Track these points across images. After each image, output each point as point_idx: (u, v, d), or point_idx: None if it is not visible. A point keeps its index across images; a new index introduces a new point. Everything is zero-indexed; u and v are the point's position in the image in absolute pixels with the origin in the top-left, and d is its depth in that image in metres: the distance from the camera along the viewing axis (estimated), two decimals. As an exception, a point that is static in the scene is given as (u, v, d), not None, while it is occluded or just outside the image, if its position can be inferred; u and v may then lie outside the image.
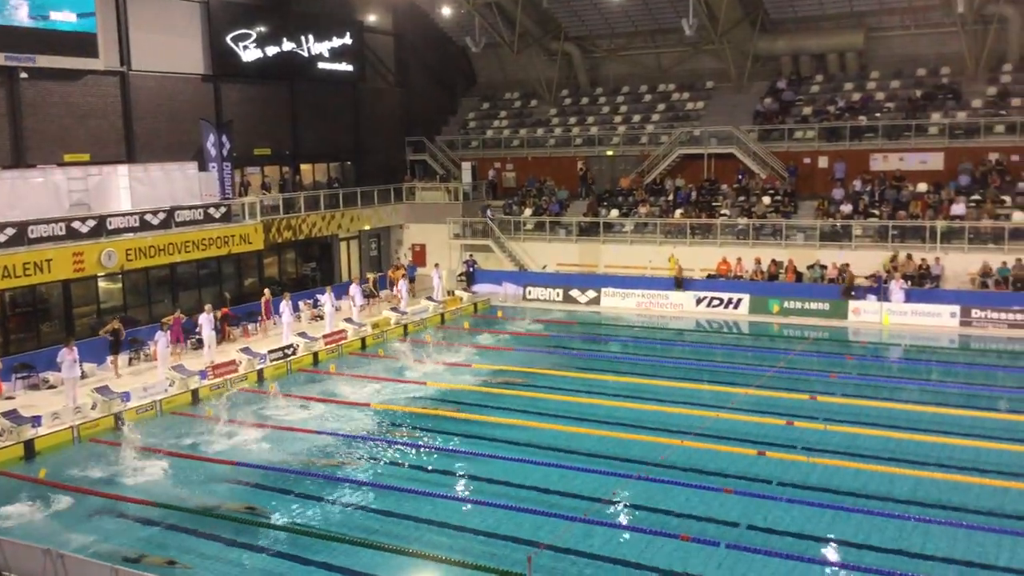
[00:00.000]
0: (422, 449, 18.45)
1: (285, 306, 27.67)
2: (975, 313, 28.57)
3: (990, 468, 16.39)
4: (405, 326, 30.41)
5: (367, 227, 38.63)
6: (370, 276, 35.16)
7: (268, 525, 14.85)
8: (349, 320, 29.56)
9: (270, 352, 25.55)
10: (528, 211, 39.35)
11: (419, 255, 39.98)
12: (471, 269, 37.12)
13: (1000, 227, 30.67)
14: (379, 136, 42.31)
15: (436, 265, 35.40)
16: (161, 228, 28.08)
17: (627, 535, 14.23)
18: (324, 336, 27.75)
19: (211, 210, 30.04)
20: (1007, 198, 31.90)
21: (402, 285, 33.27)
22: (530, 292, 35.45)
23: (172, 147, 31.48)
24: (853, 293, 30.65)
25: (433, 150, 44.25)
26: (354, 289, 31.11)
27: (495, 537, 14.12)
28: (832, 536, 13.87)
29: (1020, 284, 29.30)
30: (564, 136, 42.25)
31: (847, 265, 31.54)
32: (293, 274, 35.68)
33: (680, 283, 33.13)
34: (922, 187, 33.62)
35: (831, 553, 13.40)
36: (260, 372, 24.70)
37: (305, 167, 38.55)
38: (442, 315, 32.28)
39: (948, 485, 15.71)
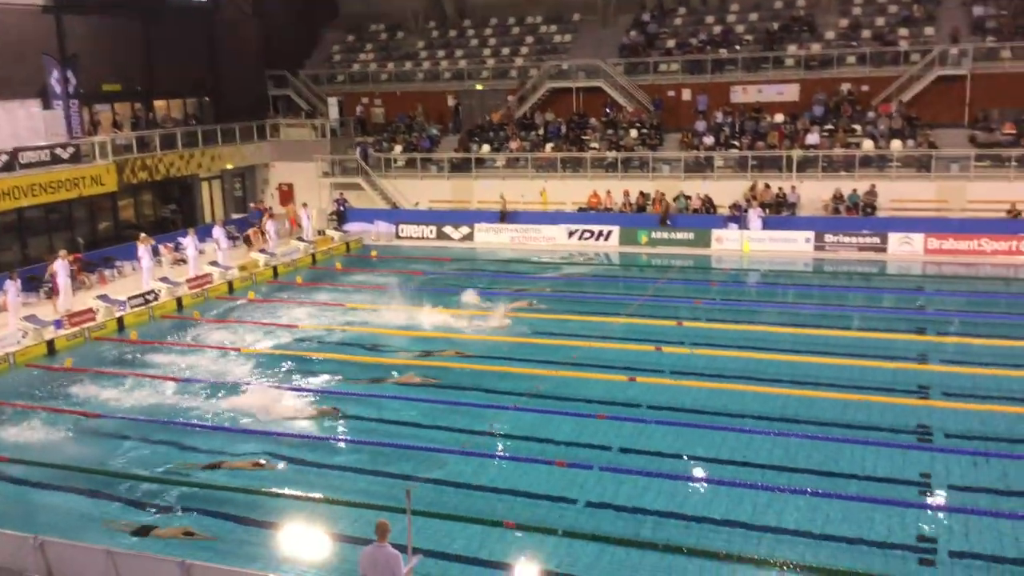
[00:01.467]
0: (294, 392, 18.15)
1: (144, 250, 26.43)
2: (828, 238, 30.05)
3: (841, 383, 17.39)
4: (275, 268, 29.63)
5: (230, 166, 37.17)
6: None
7: (135, 477, 14.38)
8: (214, 263, 28.55)
9: (130, 299, 24.46)
10: (398, 148, 38.72)
11: (286, 194, 38.85)
12: (342, 208, 36.36)
13: (851, 155, 32.21)
14: (238, 70, 40.50)
15: (304, 205, 34.46)
16: (4, 171, 26.24)
17: (504, 464, 14.48)
18: (188, 280, 26.74)
19: (59, 150, 28.23)
20: (858, 127, 33.43)
21: (269, 226, 32.29)
22: (403, 230, 35.08)
23: (12, 84, 29.27)
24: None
25: (297, 85, 42.76)
26: (218, 231, 29.95)
27: (371, 474, 14.14)
28: (699, 454, 14.50)
29: (869, 209, 30.98)
30: (433, 70, 41.55)
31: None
32: (152, 217, 34.08)
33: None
34: (779, 118, 34.83)
35: (699, 470, 14.01)
36: (120, 320, 23.64)
37: (159, 103, 36.66)
38: (313, 256, 31.60)
39: (802, 400, 16.59)
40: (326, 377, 18.92)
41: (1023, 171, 30.18)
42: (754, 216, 30.92)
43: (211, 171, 36.36)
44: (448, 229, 34.56)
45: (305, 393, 17.91)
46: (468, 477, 13.88)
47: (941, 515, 12.47)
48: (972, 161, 30.77)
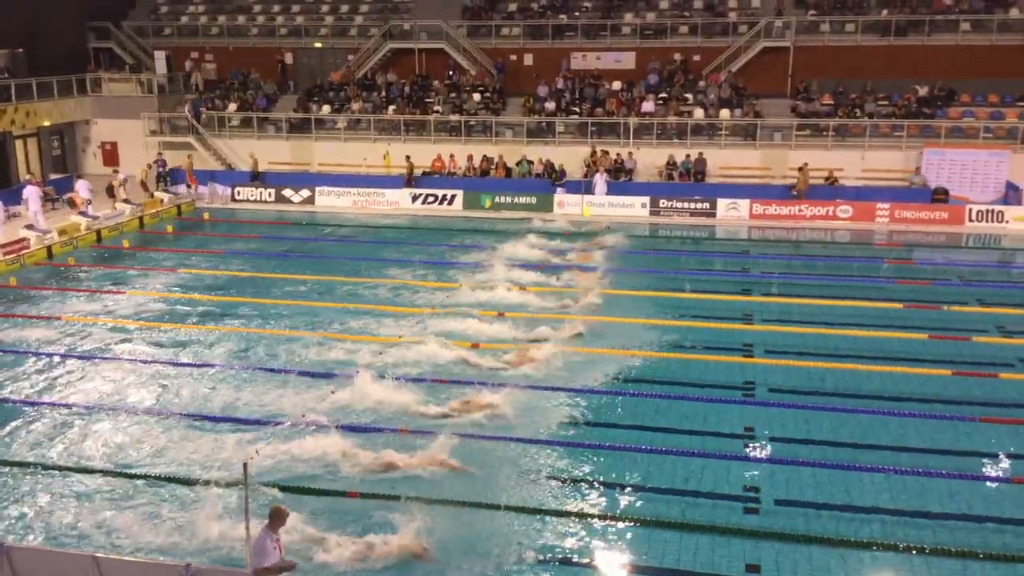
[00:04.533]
0: (116, 362, 17.27)
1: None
2: (662, 203, 31.17)
3: (671, 344, 18.18)
4: (98, 232, 27.93)
5: (47, 123, 34.62)
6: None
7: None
8: (30, 227, 26.59)
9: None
10: (232, 106, 37.14)
11: (110, 154, 36.59)
12: (163, 169, 34.18)
13: (684, 123, 33.46)
14: (54, 19, 37.63)
15: (115, 171, 32.45)
16: None
17: (337, 436, 14.18)
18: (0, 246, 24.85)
19: None
20: (689, 96, 34.72)
21: (79, 186, 30.03)
22: (239, 192, 33.79)
23: None
24: (561, 186, 32.20)
25: (120, 37, 40.23)
26: (30, 191, 27.80)
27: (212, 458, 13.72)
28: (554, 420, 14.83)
29: (699, 176, 32.33)
30: (268, 25, 40.00)
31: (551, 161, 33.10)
32: (-42, 177, 31.42)
33: (411, 181, 33.18)
34: (616, 85, 35.67)
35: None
36: (-76, 290, 21.74)
37: (-36, 53, 33.64)
38: (141, 219, 29.98)
39: (644, 360, 17.23)
40: (162, 350, 18.10)
41: (840, 140, 32.29)
42: (600, 181, 31.65)
43: (26, 128, 33.74)
44: (288, 192, 33.54)
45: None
46: (302, 452, 13.65)
47: (765, 466, 13.30)
48: (794, 130, 32.63)
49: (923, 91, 33.12)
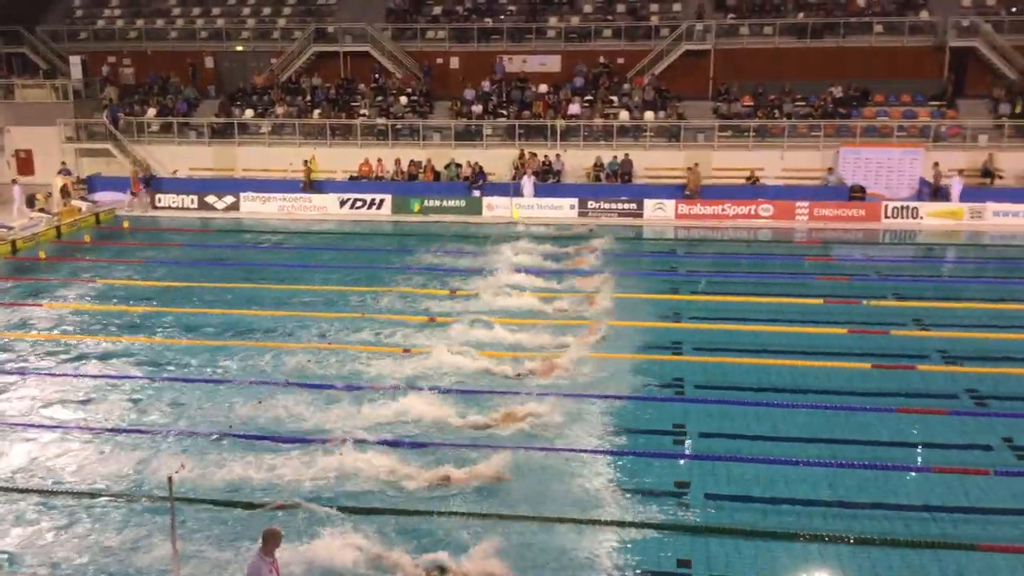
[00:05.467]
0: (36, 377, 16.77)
1: None
2: (591, 204, 31.49)
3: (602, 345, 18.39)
4: (13, 242, 27.00)
5: (-45, 130, 33.40)
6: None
7: None
8: (-60, 239, 25.64)
9: None
10: (152, 111, 36.30)
11: (25, 162, 35.40)
12: (69, 174, 33.07)
13: (610, 125, 33.86)
14: (-39, 23, 36.31)
15: (13, 181, 31.66)
16: None
17: (262, 445, 14.00)
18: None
19: None
20: (615, 98, 35.14)
21: (16, 190, 29.13)
22: (160, 200, 33.01)
23: None
24: (479, 189, 32.27)
25: (34, 42, 38.93)
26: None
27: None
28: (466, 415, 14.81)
29: (626, 177, 32.76)
30: (188, 28, 39.19)
31: (478, 163, 33.17)
32: None
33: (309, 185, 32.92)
34: (543, 88, 35.91)
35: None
36: None
37: None
38: (58, 228, 29.08)
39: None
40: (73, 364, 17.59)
41: (760, 141, 33.05)
42: (528, 183, 31.81)
43: (-68, 136, 32.51)
44: (211, 198, 32.89)
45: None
46: (221, 459, 13.43)
47: (694, 461, 13.53)
48: (716, 132, 33.29)
49: (839, 92, 34.11)
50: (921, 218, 29.90)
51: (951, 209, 29.82)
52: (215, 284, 23.05)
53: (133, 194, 32.89)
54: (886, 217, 30.10)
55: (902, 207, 30.20)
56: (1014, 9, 35.44)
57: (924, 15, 35.30)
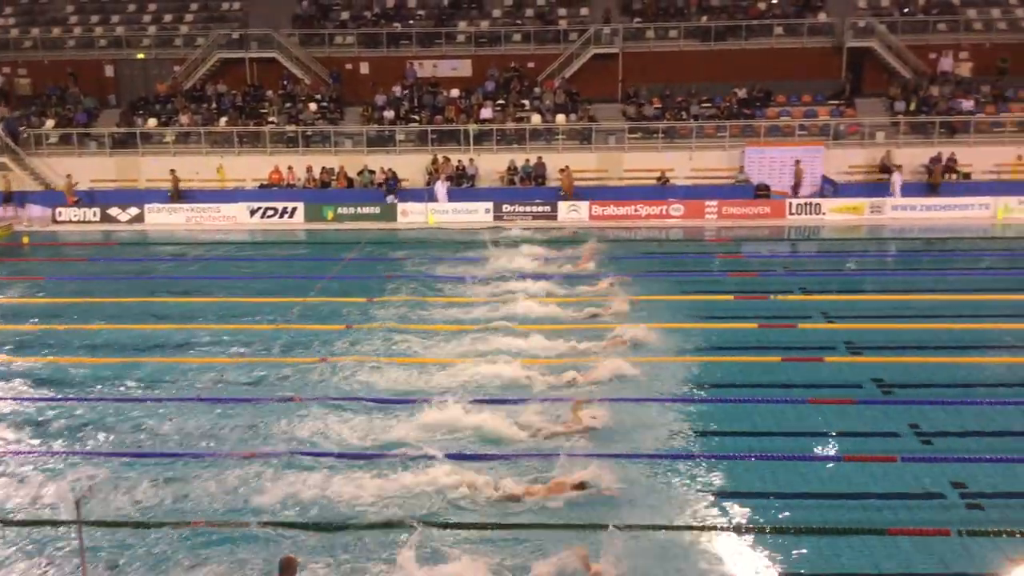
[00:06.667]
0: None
1: None
2: (505, 207, 31.58)
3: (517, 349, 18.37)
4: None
5: None
6: None
7: None
8: None
9: None
10: (50, 122, 34.98)
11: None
12: None
13: (522, 128, 34.04)
14: None
15: None
16: None
17: (181, 461, 13.62)
18: None
19: None
20: (526, 102, 35.34)
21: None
22: (60, 214, 31.82)
23: None
24: (393, 195, 32.06)
25: (-82, 51, 37.14)
26: None
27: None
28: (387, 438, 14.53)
29: (539, 180, 32.97)
30: (86, 37, 37.89)
31: (391, 170, 32.91)
32: None
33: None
34: (455, 93, 35.88)
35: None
36: None
37: None
38: (-49, 246, 27.85)
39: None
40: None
41: (669, 142, 33.67)
42: (441, 188, 31.72)
43: None
44: (114, 211, 31.86)
45: None
46: (137, 480, 13.02)
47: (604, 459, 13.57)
48: (626, 134, 33.79)
49: (743, 93, 35.02)
50: (824, 214, 30.89)
51: (852, 204, 30.90)
52: (120, 299, 22.30)
53: (72, 204, 31.77)
54: (791, 214, 31.01)
55: (805, 204, 31.15)
56: (907, 10, 36.98)
57: (822, 17, 36.52)
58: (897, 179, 31.26)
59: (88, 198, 32.37)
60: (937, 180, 31.70)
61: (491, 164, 33.61)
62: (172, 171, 32.61)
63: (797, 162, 31.95)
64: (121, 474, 13.12)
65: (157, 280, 24.74)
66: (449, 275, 24.13)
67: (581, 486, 12.14)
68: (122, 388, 16.54)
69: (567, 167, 32.12)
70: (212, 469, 13.18)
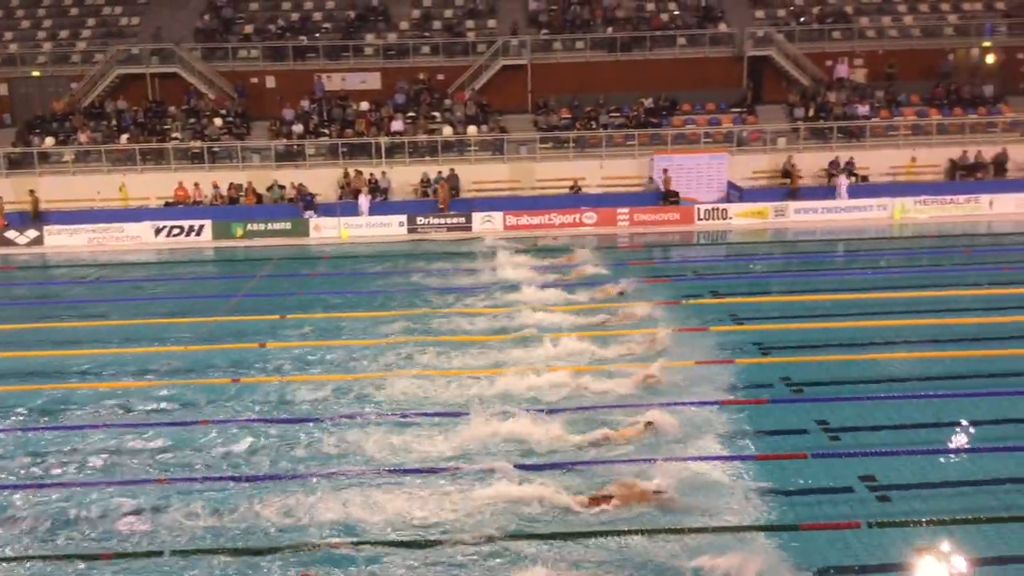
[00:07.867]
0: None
1: None
2: (419, 220, 31.47)
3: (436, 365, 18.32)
4: None
5: None
6: None
7: None
8: None
9: None
10: (-63, 142, 33.42)
11: None
12: None
13: (434, 141, 34.00)
14: None
15: None
16: None
17: (108, 489, 13.13)
18: None
19: None
20: (437, 114, 35.32)
21: None
22: (-50, 238, 30.46)
23: None
24: (312, 211, 31.62)
25: None
26: None
27: None
28: (317, 451, 14.35)
29: (453, 192, 32.94)
30: (-24, 54, 36.40)
31: (300, 185, 32.45)
32: None
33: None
34: (364, 105, 35.63)
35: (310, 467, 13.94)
36: None
37: None
38: None
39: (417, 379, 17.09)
40: None
41: (580, 151, 34.09)
42: (364, 201, 31.42)
43: None
44: (12, 234, 30.60)
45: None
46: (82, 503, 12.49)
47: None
48: (537, 144, 34.09)
49: (649, 102, 35.71)
50: (730, 219, 31.70)
51: (756, 209, 31.78)
52: (16, 325, 21.39)
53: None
54: (699, 219, 31.72)
55: (712, 209, 31.90)
56: (803, 19, 38.29)
57: (723, 27, 37.54)
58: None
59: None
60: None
61: (404, 176, 33.46)
62: (31, 191, 31.51)
63: (665, 171, 32.65)
64: (19, 505, 12.55)
65: (58, 304, 23.80)
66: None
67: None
68: (21, 417, 15.84)
69: (444, 180, 32.09)
70: (118, 497, 12.73)
